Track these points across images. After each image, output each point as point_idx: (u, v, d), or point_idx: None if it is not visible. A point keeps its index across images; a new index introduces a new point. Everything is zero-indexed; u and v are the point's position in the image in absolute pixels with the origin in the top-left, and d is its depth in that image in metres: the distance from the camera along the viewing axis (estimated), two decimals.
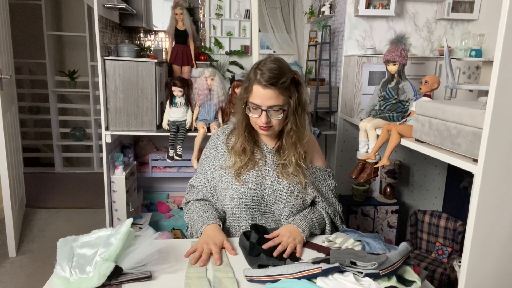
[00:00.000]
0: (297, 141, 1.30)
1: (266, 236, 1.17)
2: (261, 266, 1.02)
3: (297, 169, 1.31)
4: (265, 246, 1.12)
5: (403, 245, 0.95)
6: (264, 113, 1.23)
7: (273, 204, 1.29)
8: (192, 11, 3.34)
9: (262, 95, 1.21)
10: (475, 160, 1.28)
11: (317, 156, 1.43)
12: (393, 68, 1.92)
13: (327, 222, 1.31)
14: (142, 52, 3.18)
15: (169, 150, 2.31)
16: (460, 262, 1.46)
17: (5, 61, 2.66)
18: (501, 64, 1.14)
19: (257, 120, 1.26)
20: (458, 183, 2.68)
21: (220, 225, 1.25)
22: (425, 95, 1.82)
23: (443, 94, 2.29)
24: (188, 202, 1.41)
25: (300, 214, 1.29)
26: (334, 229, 1.35)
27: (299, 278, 0.88)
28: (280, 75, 1.21)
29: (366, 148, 2.02)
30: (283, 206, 1.28)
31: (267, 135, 1.32)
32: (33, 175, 4.06)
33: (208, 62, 3.35)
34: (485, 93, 1.55)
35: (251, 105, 1.25)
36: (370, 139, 1.98)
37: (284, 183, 1.28)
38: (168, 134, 2.30)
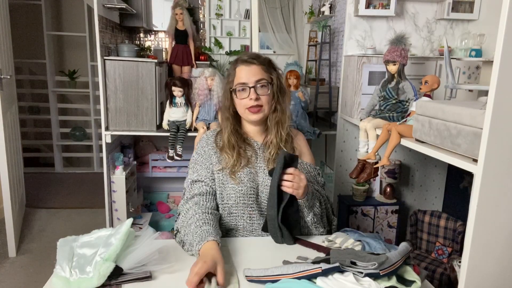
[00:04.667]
0: (280, 121, 1.33)
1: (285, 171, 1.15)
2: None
3: None
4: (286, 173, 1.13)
5: (403, 245, 0.95)
6: (252, 90, 1.27)
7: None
8: (192, 11, 3.33)
9: (247, 72, 1.29)
10: (475, 160, 1.28)
11: (306, 152, 1.42)
12: (393, 68, 1.92)
13: (322, 201, 1.29)
14: (142, 52, 3.18)
15: (169, 150, 2.31)
16: (460, 262, 1.46)
17: (5, 61, 2.66)
18: (501, 64, 1.14)
19: (246, 101, 1.27)
20: (458, 183, 2.68)
21: (219, 243, 1.09)
22: (425, 95, 1.82)
23: (443, 94, 2.29)
24: (193, 197, 1.26)
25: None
26: (327, 222, 1.33)
27: (299, 278, 0.88)
28: (259, 55, 1.34)
29: (366, 148, 2.02)
30: None
31: (257, 119, 1.31)
32: (33, 175, 4.06)
33: (208, 62, 3.34)
34: (485, 93, 1.55)
35: (238, 87, 1.29)
36: (370, 139, 1.98)
37: None
38: (168, 134, 2.30)
